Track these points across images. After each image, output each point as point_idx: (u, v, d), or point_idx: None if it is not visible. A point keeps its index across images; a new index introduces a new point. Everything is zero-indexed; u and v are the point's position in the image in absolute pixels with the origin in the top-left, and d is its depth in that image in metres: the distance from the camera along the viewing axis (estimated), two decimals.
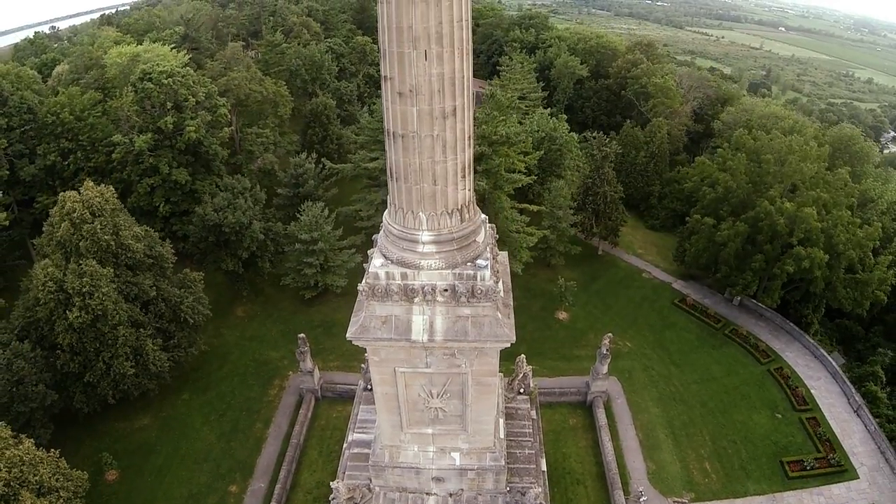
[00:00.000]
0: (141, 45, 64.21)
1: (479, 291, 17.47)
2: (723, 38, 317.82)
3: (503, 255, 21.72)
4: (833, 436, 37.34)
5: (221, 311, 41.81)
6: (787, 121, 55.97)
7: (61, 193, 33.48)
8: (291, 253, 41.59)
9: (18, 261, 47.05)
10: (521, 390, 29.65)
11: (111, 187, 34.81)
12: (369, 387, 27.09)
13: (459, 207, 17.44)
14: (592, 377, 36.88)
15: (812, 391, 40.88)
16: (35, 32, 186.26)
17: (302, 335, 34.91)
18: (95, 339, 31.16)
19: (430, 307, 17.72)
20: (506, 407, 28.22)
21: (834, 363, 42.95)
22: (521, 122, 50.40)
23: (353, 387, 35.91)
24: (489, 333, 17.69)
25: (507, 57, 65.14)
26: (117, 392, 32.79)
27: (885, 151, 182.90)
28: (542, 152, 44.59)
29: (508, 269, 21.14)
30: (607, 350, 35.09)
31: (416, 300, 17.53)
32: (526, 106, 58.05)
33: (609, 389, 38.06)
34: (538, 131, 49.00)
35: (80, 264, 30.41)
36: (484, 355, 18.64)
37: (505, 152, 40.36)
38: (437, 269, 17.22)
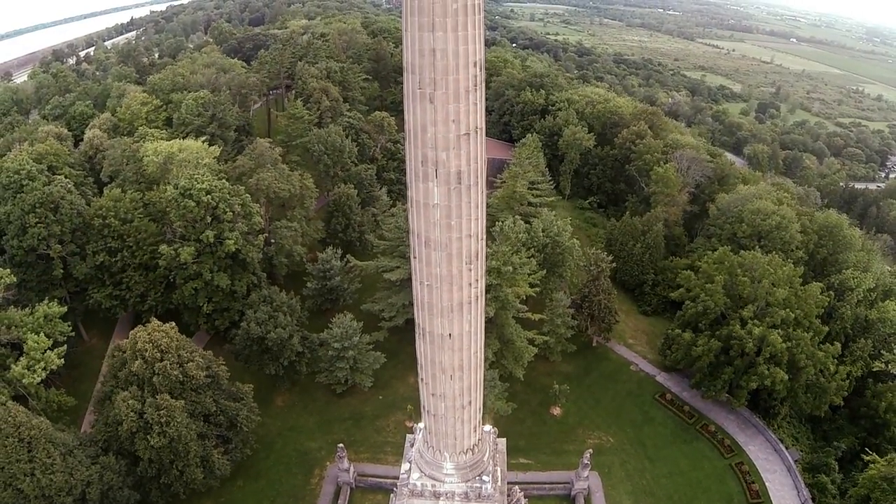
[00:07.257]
0: (172, 131, 70.15)
1: (483, 495, 26.21)
2: (733, 51, 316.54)
3: (502, 444, 29.11)
4: None
5: (263, 401, 48.68)
6: (775, 217, 61.02)
7: (132, 331, 40.30)
8: (324, 356, 48.35)
9: (74, 348, 52.63)
10: None
11: (174, 323, 41.48)
12: None
13: (472, 447, 25.02)
14: (576, 477, 43.95)
15: (767, 484, 47.65)
16: (53, 51, 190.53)
17: (341, 444, 42.24)
18: (171, 452, 38.32)
19: (450, 502, 25.20)
20: None
21: (790, 458, 49.57)
22: (527, 222, 56.18)
23: (381, 479, 43.39)
24: None
25: (517, 150, 70.61)
26: (188, 490, 40.09)
27: (892, 176, 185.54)
28: (545, 271, 50.63)
29: (505, 457, 28.63)
30: (587, 461, 42.28)
31: (441, 499, 25.49)
32: (535, 195, 63.61)
33: (590, 484, 45.12)
34: (543, 233, 54.80)
35: (157, 398, 37.34)
36: None
37: (511, 277, 46.57)
38: (456, 482, 25.46)
